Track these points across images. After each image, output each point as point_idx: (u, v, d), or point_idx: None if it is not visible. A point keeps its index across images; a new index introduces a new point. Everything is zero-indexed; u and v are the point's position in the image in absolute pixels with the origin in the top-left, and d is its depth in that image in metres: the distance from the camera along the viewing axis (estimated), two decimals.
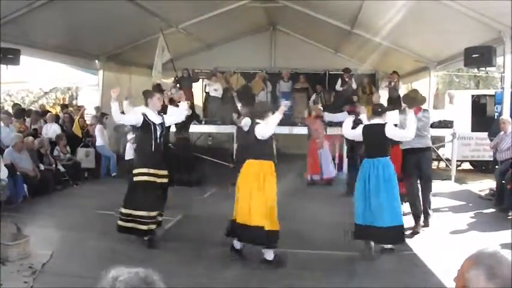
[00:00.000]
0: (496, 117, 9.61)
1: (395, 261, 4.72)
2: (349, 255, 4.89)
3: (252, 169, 4.61)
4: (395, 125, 5.22)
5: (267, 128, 4.61)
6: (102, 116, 10.42)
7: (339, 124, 7.28)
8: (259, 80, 12.44)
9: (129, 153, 8.61)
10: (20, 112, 9.58)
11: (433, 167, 11.37)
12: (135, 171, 5.13)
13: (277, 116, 4.68)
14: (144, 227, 4.99)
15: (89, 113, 11.72)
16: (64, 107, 11.51)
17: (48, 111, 11.35)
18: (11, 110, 10.03)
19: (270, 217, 4.48)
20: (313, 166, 9.14)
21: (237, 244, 4.70)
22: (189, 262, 4.65)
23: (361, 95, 11.48)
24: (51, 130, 9.49)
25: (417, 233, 5.64)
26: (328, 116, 10.25)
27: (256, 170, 4.58)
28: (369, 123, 5.13)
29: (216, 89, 11.75)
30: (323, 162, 9.12)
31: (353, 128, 5.27)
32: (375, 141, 4.92)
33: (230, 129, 10.19)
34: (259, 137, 4.60)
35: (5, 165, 6.82)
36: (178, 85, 11.18)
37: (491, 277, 1.32)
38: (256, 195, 4.47)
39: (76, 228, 5.65)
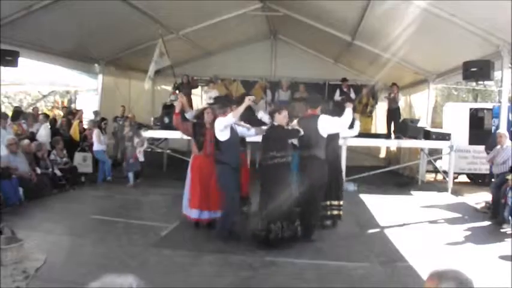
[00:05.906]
0: (493, 131, 9.64)
1: (391, 273, 4.71)
2: (345, 265, 4.88)
3: None
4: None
5: None
6: (101, 120, 10.40)
7: None
8: (258, 89, 12.48)
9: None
10: (16, 114, 9.53)
11: (430, 179, 11.49)
12: None
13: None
14: None
15: (87, 117, 11.69)
16: (66, 110, 11.47)
17: (46, 114, 11.30)
18: (8, 112, 9.99)
19: None
20: None
21: None
22: (185, 268, 4.62)
23: (358, 104, 11.48)
24: (42, 131, 9.42)
25: None
26: None
27: None
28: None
29: (211, 97, 11.73)
30: None
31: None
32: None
33: None
34: None
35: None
36: (177, 91, 11.17)
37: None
38: None
39: (71, 233, 5.61)
